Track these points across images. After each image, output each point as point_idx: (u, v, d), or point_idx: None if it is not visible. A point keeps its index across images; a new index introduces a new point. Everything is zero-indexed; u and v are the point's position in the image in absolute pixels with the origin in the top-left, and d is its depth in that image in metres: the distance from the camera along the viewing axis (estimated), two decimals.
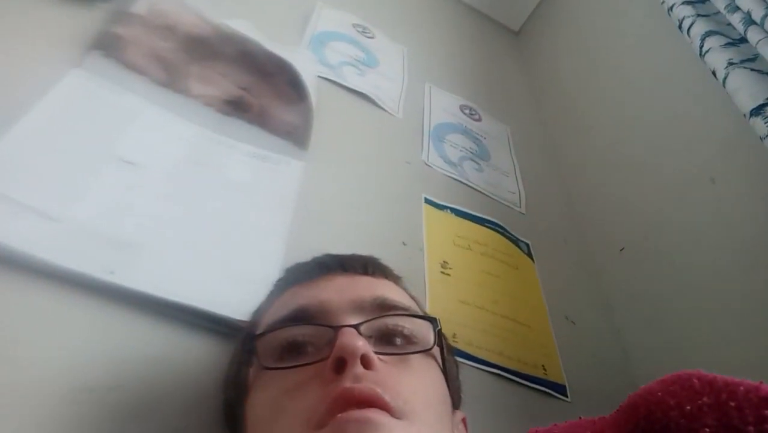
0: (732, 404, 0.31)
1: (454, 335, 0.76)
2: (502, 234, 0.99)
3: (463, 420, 0.51)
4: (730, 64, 0.82)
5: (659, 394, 0.34)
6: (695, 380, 0.34)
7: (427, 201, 0.94)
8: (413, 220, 0.90)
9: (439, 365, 0.47)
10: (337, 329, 0.42)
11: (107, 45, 0.74)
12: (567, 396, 0.79)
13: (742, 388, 0.32)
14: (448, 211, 0.95)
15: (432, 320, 0.47)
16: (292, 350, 0.43)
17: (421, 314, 0.50)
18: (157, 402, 0.52)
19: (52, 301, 0.53)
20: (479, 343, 0.78)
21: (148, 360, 0.54)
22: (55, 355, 0.50)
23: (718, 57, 0.85)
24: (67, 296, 0.53)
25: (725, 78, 0.82)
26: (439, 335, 0.47)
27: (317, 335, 0.44)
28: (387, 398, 0.37)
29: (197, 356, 0.57)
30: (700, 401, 0.32)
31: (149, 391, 0.52)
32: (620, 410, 0.36)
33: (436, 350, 0.46)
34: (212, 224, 0.67)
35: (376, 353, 0.41)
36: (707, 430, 0.31)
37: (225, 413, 0.50)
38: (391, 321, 0.45)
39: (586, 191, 1.20)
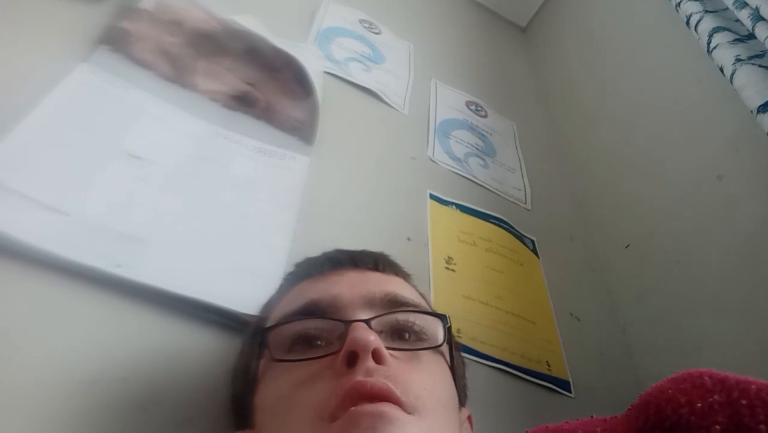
0: (743, 402, 0.31)
1: (459, 330, 0.76)
2: (507, 230, 0.99)
3: (469, 418, 0.52)
4: (738, 60, 0.82)
5: (670, 391, 0.34)
6: (706, 378, 0.34)
7: (432, 197, 0.94)
8: (418, 215, 0.90)
9: (448, 363, 0.47)
10: (348, 323, 0.42)
11: (115, 40, 0.75)
12: (571, 392, 0.79)
13: (753, 387, 0.32)
14: (453, 207, 0.95)
15: (442, 317, 0.48)
16: (303, 343, 0.44)
17: (431, 310, 0.50)
18: (164, 394, 0.52)
19: (59, 294, 0.53)
20: (483, 338, 0.78)
21: (155, 353, 0.55)
22: (62, 347, 0.51)
23: (725, 53, 0.85)
24: (74, 289, 0.54)
25: (733, 74, 0.81)
26: (449, 332, 0.47)
27: (328, 329, 0.44)
28: (398, 392, 0.37)
29: (203, 349, 0.57)
30: (711, 399, 0.32)
31: (156, 383, 0.53)
32: (631, 408, 0.36)
33: (445, 347, 0.47)
34: (219, 218, 0.67)
35: (387, 348, 0.41)
36: (718, 427, 0.31)
37: (233, 406, 0.51)
38: (402, 317, 0.46)
39: (592, 188, 1.19)
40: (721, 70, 0.85)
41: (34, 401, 0.47)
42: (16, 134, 0.59)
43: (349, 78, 1.02)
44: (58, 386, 0.49)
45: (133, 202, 0.63)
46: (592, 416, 0.38)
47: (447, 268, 0.84)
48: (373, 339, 0.40)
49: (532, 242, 1.01)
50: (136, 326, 0.55)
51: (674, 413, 0.33)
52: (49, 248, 0.53)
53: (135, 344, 0.54)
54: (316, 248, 0.57)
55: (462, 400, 0.50)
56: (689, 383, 0.34)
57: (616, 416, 0.38)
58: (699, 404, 0.32)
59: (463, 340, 0.76)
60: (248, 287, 0.61)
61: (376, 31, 1.21)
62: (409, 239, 0.84)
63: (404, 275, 0.55)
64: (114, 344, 0.53)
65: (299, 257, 0.59)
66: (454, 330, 0.74)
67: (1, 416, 0.45)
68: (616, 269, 1.04)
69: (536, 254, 0.99)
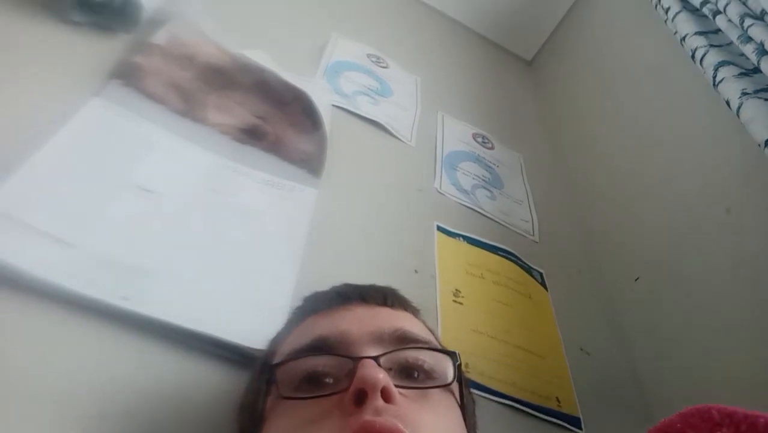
0: None
1: (467, 364, 0.75)
2: (515, 262, 0.98)
3: None
4: (744, 94, 0.82)
5: (678, 426, 0.34)
6: (714, 412, 0.33)
7: (440, 229, 0.94)
8: (425, 247, 0.89)
9: (458, 401, 0.46)
10: (357, 360, 0.42)
11: (127, 74, 0.76)
12: (581, 429, 0.78)
13: (762, 420, 0.31)
14: (461, 239, 0.95)
15: (452, 354, 0.47)
16: (311, 381, 0.43)
17: (440, 348, 0.49)
18: (170, 429, 0.52)
19: (66, 326, 0.53)
20: (492, 373, 0.77)
21: (162, 387, 0.54)
22: (68, 381, 0.50)
23: (731, 87, 0.85)
24: (81, 322, 0.54)
25: (739, 108, 0.82)
26: (459, 370, 0.46)
27: (337, 366, 0.43)
28: (408, 432, 0.37)
29: (210, 383, 0.57)
30: None
31: (162, 418, 0.52)
32: None
33: (455, 385, 0.46)
34: (227, 251, 0.67)
35: (396, 386, 0.41)
36: None
37: None
38: (411, 354, 0.45)
39: (601, 220, 1.19)
40: (728, 103, 0.85)
41: None
42: (28, 168, 0.60)
43: (357, 111, 1.03)
44: (64, 420, 0.48)
45: (142, 234, 0.63)
46: None
47: (455, 301, 0.84)
48: (382, 377, 0.39)
49: (541, 274, 1.00)
50: (142, 359, 0.55)
51: None
52: (55, 280, 0.53)
53: (141, 378, 0.54)
54: (323, 280, 0.57)
55: None
56: (698, 418, 0.34)
57: None
58: None
59: (472, 375, 0.74)
60: (255, 319, 0.60)
61: (384, 65, 1.23)
62: (416, 271, 0.84)
63: (413, 310, 0.55)
64: (121, 377, 0.53)
65: (306, 289, 0.58)
66: (462, 365, 0.73)
67: None
68: (626, 302, 1.02)
69: (545, 286, 0.98)
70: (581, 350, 0.91)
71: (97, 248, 0.58)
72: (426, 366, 0.45)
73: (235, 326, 0.59)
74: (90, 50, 0.77)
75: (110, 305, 0.55)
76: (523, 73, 1.72)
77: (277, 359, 0.47)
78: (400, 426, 0.36)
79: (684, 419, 0.34)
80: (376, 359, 0.42)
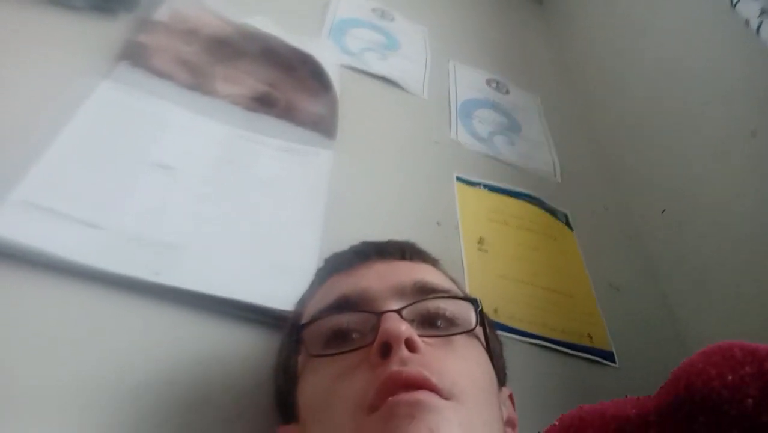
0: None
1: (496, 310, 0.76)
2: (539, 206, 0.98)
3: (510, 396, 0.52)
4: (763, 12, 0.79)
5: (700, 365, 0.34)
6: (737, 350, 0.33)
7: (459, 179, 0.94)
8: (446, 199, 0.89)
9: (483, 345, 0.47)
10: (380, 314, 0.42)
11: (133, 54, 0.77)
12: (615, 362, 0.78)
13: None
14: (481, 187, 0.95)
15: (473, 301, 0.48)
16: (338, 337, 0.45)
17: (461, 295, 0.50)
18: (211, 394, 0.54)
19: (103, 305, 0.55)
20: (522, 316, 0.78)
21: (200, 355, 0.57)
22: (110, 357, 0.53)
23: (749, 6, 0.82)
24: (117, 300, 0.56)
25: (759, 27, 0.79)
26: (481, 315, 0.47)
27: (361, 322, 0.45)
28: (434, 379, 0.38)
29: (246, 347, 0.59)
30: (742, 371, 0.32)
31: (203, 384, 0.55)
32: (664, 384, 0.36)
33: (478, 330, 0.47)
34: (249, 219, 0.69)
35: (420, 336, 0.42)
36: (750, 401, 0.30)
37: (277, 401, 0.52)
38: (433, 304, 0.46)
39: (624, 155, 1.17)
40: (747, 23, 0.82)
41: (87, 411, 0.49)
42: (49, 155, 0.62)
43: (366, 68, 1.02)
44: (109, 395, 0.50)
45: (166, 210, 0.64)
46: (626, 396, 0.38)
47: (480, 249, 0.84)
48: (405, 329, 0.40)
49: (565, 215, 1.00)
50: (178, 330, 0.57)
51: (705, 386, 0.32)
52: (89, 262, 0.55)
53: (179, 348, 0.56)
54: (346, 241, 0.58)
55: (501, 380, 0.50)
56: (719, 355, 0.33)
57: (649, 395, 0.38)
58: (730, 377, 0.32)
59: (501, 319, 0.75)
60: (283, 283, 0.62)
61: (390, 18, 1.21)
62: (438, 223, 0.84)
63: (433, 261, 0.55)
64: (159, 349, 0.55)
65: (331, 249, 0.59)
66: (491, 310, 0.74)
67: (55, 427, 0.48)
68: (654, 235, 1.01)
69: (570, 227, 0.98)
70: (610, 285, 0.91)
71: (125, 228, 0.60)
72: (448, 314, 0.46)
73: (265, 290, 0.61)
74: (94, 34, 0.77)
75: (143, 281, 0.57)
76: (534, 13, 1.66)
77: (303, 320, 0.48)
78: (426, 373, 0.37)
79: (706, 358, 0.34)
80: (398, 311, 0.43)
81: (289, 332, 0.51)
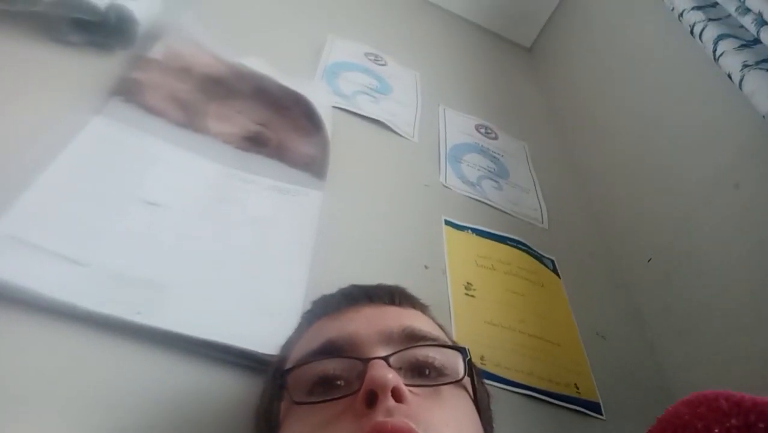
0: (761, 425, 0.30)
1: (482, 357, 0.75)
2: (526, 251, 0.98)
3: None
4: (746, 66, 0.81)
5: (686, 417, 0.33)
6: (722, 401, 0.33)
7: (448, 222, 0.94)
8: (434, 242, 0.89)
9: (471, 396, 0.46)
10: (366, 361, 0.42)
11: (126, 90, 0.77)
12: (602, 414, 0.77)
13: None
14: (469, 231, 0.95)
15: (462, 350, 0.47)
16: (323, 384, 0.43)
17: (449, 343, 0.49)
18: None
19: (81, 344, 0.54)
20: (508, 364, 0.77)
21: (179, 398, 0.55)
22: (87, 397, 0.51)
23: (732, 60, 0.84)
24: (97, 339, 0.54)
25: (741, 80, 0.81)
26: (470, 365, 0.46)
27: (347, 368, 0.43)
28: (420, 431, 0.37)
29: (226, 391, 0.57)
30: (728, 424, 0.31)
31: (181, 428, 0.53)
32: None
33: (466, 381, 0.46)
34: (236, 259, 0.68)
35: (407, 385, 0.41)
36: None
37: None
38: (421, 352, 0.45)
39: (610, 202, 1.18)
40: (729, 77, 0.84)
41: None
42: (35, 190, 0.61)
43: (358, 111, 1.03)
44: None
45: (151, 248, 0.63)
46: None
47: (467, 294, 0.84)
48: (392, 377, 0.39)
49: (552, 261, 1.00)
50: (158, 372, 0.55)
51: None
52: (68, 300, 0.54)
53: (158, 391, 0.54)
54: (333, 282, 0.57)
55: (488, 432, 0.49)
56: (705, 406, 0.33)
57: None
58: (716, 430, 0.31)
59: (488, 367, 0.74)
60: (268, 325, 0.60)
61: (382, 62, 1.23)
62: (426, 267, 0.84)
63: (422, 307, 0.55)
64: (138, 391, 0.53)
65: (318, 292, 0.58)
66: (477, 357, 0.73)
67: None
68: (640, 283, 1.02)
69: (557, 273, 0.98)
70: (597, 334, 0.90)
71: (109, 266, 0.59)
72: (436, 363, 0.45)
73: (249, 333, 0.60)
74: (89, 69, 0.78)
75: (125, 321, 0.55)
76: (522, 61, 1.71)
77: (288, 365, 0.47)
78: (412, 425, 0.36)
79: (691, 409, 0.33)
80: (385, 359, 0.42)
81: (273, 376, 0.50)
